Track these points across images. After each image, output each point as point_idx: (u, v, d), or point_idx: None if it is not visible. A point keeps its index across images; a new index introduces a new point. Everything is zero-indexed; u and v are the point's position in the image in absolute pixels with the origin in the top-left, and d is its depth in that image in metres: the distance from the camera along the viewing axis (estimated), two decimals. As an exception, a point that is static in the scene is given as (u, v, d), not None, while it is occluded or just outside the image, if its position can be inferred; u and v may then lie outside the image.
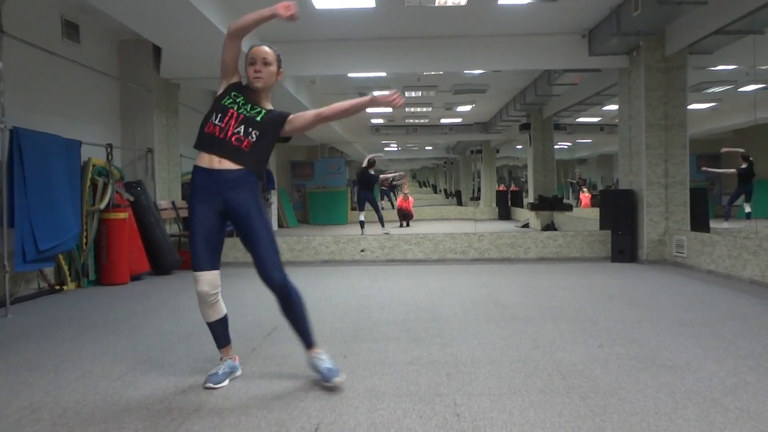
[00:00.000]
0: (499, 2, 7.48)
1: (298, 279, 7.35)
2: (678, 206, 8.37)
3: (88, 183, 7.09)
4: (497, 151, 26.10)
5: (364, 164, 13.79)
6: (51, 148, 6.23)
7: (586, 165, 33.34)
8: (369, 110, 16.65)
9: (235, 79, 3.39)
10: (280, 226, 16.95)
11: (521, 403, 2.93)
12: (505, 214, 21.21)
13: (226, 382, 3.29)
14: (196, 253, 3.24)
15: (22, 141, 5.72)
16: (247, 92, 3.34)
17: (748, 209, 12.04)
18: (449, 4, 7.29)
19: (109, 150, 7.46)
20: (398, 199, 18.24)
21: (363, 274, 7.73)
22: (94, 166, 7.22)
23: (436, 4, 7.31)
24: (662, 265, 8.14)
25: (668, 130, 8.31)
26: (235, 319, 5.01)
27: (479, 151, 25.56)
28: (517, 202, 21.39)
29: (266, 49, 3.37)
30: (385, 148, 30.62)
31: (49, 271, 6.69)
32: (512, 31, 8.80)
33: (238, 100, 3.28)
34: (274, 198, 16.20)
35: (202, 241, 3.24)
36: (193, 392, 3.16)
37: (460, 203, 29.12)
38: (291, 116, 3.34)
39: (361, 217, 13.51)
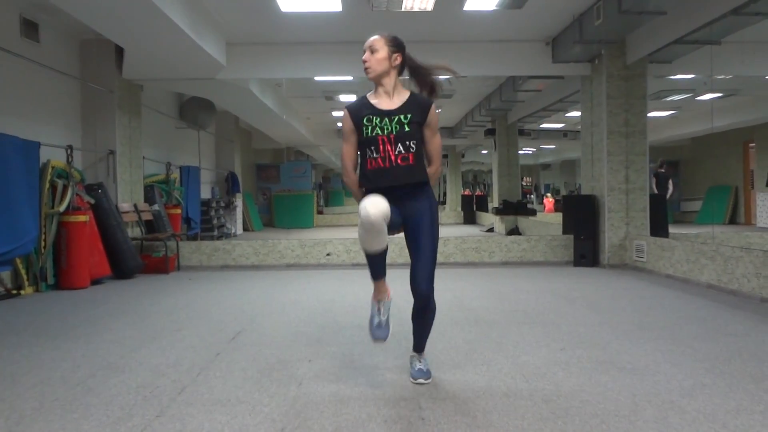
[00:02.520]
0: (465, 8, 7.55)
1: (263, 282, 7.35)
2: (638, 212, 8.55)
3: (48, 185, 6.94)
4: (462, 156, 26.34)
5: None
6: (8, 149, 6.08)
7: (549, 170, 33.86)
8: (335, 113, 16.73)
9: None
10: (245, 229, 16.82)
11: (485, 406, 2.95)
12: (470, 219, 21.40)
13: (391, 328, 3.44)
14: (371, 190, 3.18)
15: (-21, 141, 5.57)
16: (371, 106, 3.25)
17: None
18: (416, 9, 7.33)
19: (69, 152, 7.31)
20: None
21: (328, 278, 7.71)
22: (53, 168, 7.07)
23: (403, 9, 7.34)
24: (623, 270, 8.29)
25: (629, 137, 8.48)
26: (199, 324, 4.97)
27: (445, 156, 25.72)
28: (482, 206, 21.59)
29: (373, 37, 3.30)
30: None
31: (5, 275, 6.51)
32: (478, 37, 8.89)
33: (375, 123, 3.19)
34: (239, 201, 16.06)
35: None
36: (155, 398, 3.11)
37: (425, 207, 29.21)
38: (433, 117, 3.26)
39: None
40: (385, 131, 3.17)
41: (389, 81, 3.28)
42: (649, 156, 8.62)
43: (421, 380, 3.33)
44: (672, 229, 10.08)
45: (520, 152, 17.40)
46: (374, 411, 2.91)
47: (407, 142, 3.17)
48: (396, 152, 3.16)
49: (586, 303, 5.80)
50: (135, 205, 8.99)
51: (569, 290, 6.58)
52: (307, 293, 6.58)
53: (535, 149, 27.24)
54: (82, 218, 7.11)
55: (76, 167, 7.63)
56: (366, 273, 7.72)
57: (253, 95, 10.78)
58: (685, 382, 3.28)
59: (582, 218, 8.78)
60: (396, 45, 3.31)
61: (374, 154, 3.18)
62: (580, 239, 8.76)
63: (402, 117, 3.19)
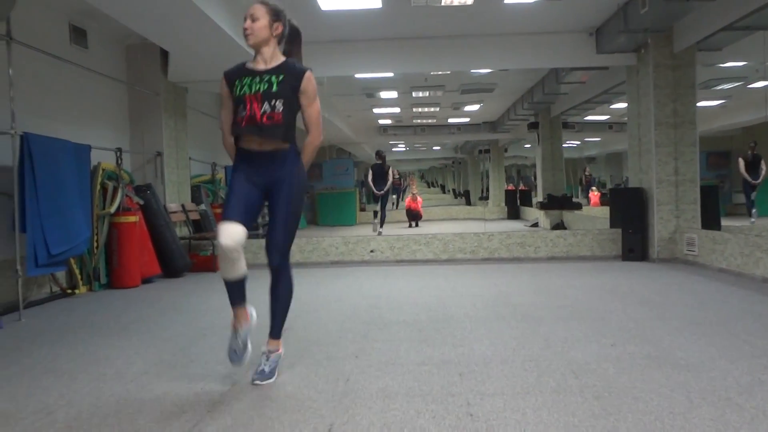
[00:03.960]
0: (506, 1, 7.46)
1: (308, 280, 7.39)
2: (688, 204, 8.33)
3: (98, 187, 7.12)
4: (505, 151, 26.07)
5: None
6: (61, 153, 6.26)
7: (595, 163, 33.25)
8: (376, 110, 16.76)
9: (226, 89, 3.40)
10: (288, 227, 16.93)
11: (534, 402, 2.92)
12: (514, 214, 21.18)
13: (249, 352, 3.33)
14: (229, 207, 3.24)
15: (33, 146, 5.74)
16: (246, 69, 3.34)
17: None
18: (455, 3, 7.28)
19: (118, 154, 7.49)
20: (407, 200, 18.24)
21: (373, 275, 7.73)
22: (103, 170, 7.25)
23: (443, 4, 7.30)
24: (673, 264, 8.09)
25: (677, 127, 8.27)
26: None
27: (487, 151, 25.51)
28: (526, 201, 21.34)
29: (257, 5, 3.34)
30: (393, 149, 30.66)
31: (60, 275, 6.71)
32: (519, 29, 8.78)
33: (245, 83, 3.28)
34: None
35: (238, 199, 3.25)
36: (206, 394, 3.17)
37: (468, 203, 29.11)
38: (308, 83, 3.30)
39: (377, 207, 13.54)
40: (253, 89, 3.24)
41: (268, 49, 3.35)
42: (698, 146, 8.39)
43: (257, 381, 3.30)
44: (724, 222, 9.80)
45: (564, 145, 17.12)
46: (422, 407, 2.90)
47: (273, 101, 3.22)
48: (261, 111, 3.21)
49: (635, 298, 5.68)
50: (182, 205, 9.16)
51: (618, 285, 6.46)
52: (352, 290, 6.61)
53: (579, 142, 26.78)
54: (132, 219, 7.28)
55: (126, 169, 7.81)
56: (410, 269, 7.74)
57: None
58: (743, 379, 3.18)
59: (630, 211, 8.60)
60: (277, 14, 3.37)
61: (242, 113, 3.24)
62: (628, 233, 8.58)
63: (273, 77, 3.26)
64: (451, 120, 19.99)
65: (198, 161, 10.67)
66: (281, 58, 3.37)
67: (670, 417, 2.70)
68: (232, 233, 3.10)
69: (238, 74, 3.34)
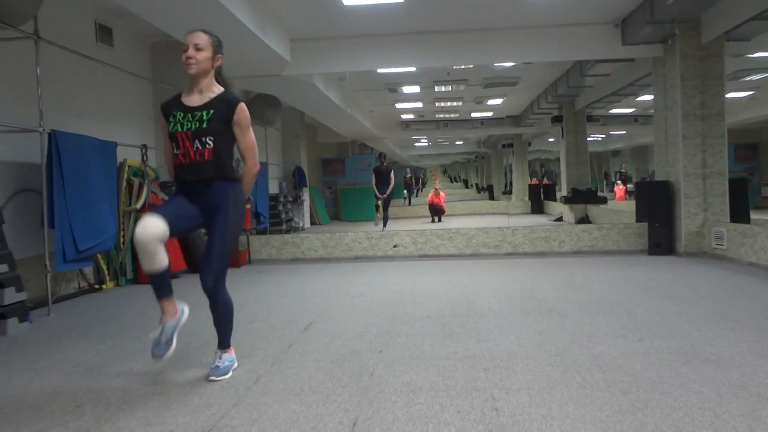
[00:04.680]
0: (530, -7, 7.40)
1: (332, 275, 7.42)
2: (717, 197, 8.19)
3: (125, 183, 7.20)
4: (529, 145, 25.92)
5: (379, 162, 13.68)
6: (88, 149, 6.34)
7: (620, 157, 32.89)
8: (398, 105, 16.73)
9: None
10: (312, 222, 17.05)
11: (560, 397, 2.89)
12: (537, 208, 21.03)
13: (174, 345, 3.27)
14: (159, 206, 3.31)
15: (60, 144, 5.83)
16: (180, 104, 3.34)
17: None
18: (479, -4, 7.23)
19: (144, 150, 7.57)
20: (429, 195, 18.20)
21: (396, 270, 7.73)
22: (129, 166, 7.33)
23: (466, -3, 7.25)
24: (701, 258, 7.97)
25: (705, 119, 8.13)
26: (271, 316, 5.07)
27: (511, 145, 25.37)
28: (550, 195, 21.18)
29: (200, 34, 3.33)
30: (415, 144, 30.61)
31: (88, 270, 6.82)
32: (543, 22, 8.69)
33: (177, 119, 3.29)
34: (306, 195, 16.29)
35: (172, 205, 3.30)
36: (232, 387, 3.19)
37: (492, 198, 28.97)
38: (240, 115, 3.31)
39: (378, 202, 13.49)
40: (184, 128, 3.26)
41: (205, 80, 3.36)
42: (727, 138, 8.25)
43: (212, 377, 3.34)
44: (753, 215, 9.62)
45: (588, 139, 16.95)
46: (447, 401, 2.89)
47: (203, 138, 3.25)
48: (194, 148, 3.26)
49: (663, 292, 5.61)
50: (207, 201, 9.22)
51: (645, 279, 6.37)
52: (376, 285, 6.61)
53: (604, 135, 26.52)
54: (157, 215, 7.34)
55: (151, 165, 7.90)
56: (433, 264, 7.72)
57: (317, 90, 10.89)
58: (774, 374, 3.13)
59: (656, 205, 8.49)
60: (219, 47, 3.40)
61: (176, 150, 3.30)
62: (654, 227, 8.47)
63: (204, 113, 3.26)
64: (473, 114, 19.89)
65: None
66: (216, 90, 3.37)
67: (699, 412, 2.66)
68: (148, 226, 3.10)
69: (172, 107, 3.36)
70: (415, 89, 14.37)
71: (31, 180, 6.02)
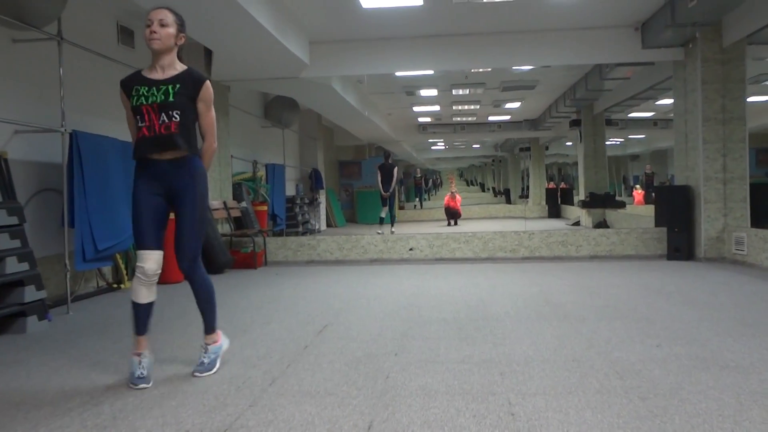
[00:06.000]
0: (549, -4, 7.37)
1: (347, 277, 7.42)
2: (737, 202, 8.09)
3: (144, 184, 7.25)
4: (546, 149, 25.77)
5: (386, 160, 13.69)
6: (108, 150, 6.40)
7: (638, 161, 32.65)
8: (416, 108, 16.72)
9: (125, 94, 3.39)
10: (328, 225, 17.08)
11: (577, 403, 2.86)
12: (555, 212, 20.92)
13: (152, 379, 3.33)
14: (142, 232, 3.32)
15: (81, 144, 5.90)
16: (142, 78, 3.35)
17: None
18: (497, -1, 7.21)
19: (162, 151, 7.61)
20: (445, 198, 18.16)
21: (412, 273, 7.71)
22: (148, 167, 7.38)
23: (484, 0, 7.23)
24: (721, 263, 7.88)
25: (726, 123, 8.04)
26: (287, 317, 5.08)
27: (528, 149, 25.26)
28: (567, 199, 21.05)
29: (165, 11, 3.35)
30: (432, 147, 30.58)
31: (107, 270, 6.88)
32: (562, 25, 8.66)
33: (141, 93, 3.28)
34: (322, 197, 16.33)
35: (148, 220, 3.32)
36: (247, 388, 3.20)
37: (508, 201, 28.88)
38: (206, 92, 3.35)
39: (382, 214, 13.49)
40: (149, 100, 3.25)
41: (168, 57, 3.37)
42: (748, 142, 8.15)
43: (197, 373, 3.41)
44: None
45: (607, 143, 16.82)
46: (462, 405, 2.87)
47: (170, 111, 3.23)
48: (160, 121, 3.24)
49: (682, 298, 5.55)
50: (224, 203, 9.29)
51: (663, 284, 6.31)
52: (391, 287, 6.60)
53: (622, 139, 26.33)
54: (175, 215, 7.39)
55: (170, 167, 7.94)
56: (449, 267, 7.70)
57: (335, 93, 10.91)
58: (796, 382, 3.08)
59: (676, 210, 8.40)
60: (183, 24, 3.43)
61: (140, 123, 3.28)
62: (674, 232, 8.39)
63: (170, 87, 3.27)
64: (491, 118, 19.83)
65: (239, 159, 10.82)
66: (180, 67, 3.39)
67: (719, 419, 2.62)
68: (154, 258, 3.33)
69: (134, 82, 3.35)
70: (433, 92, 14.37)
71: (52, 180, 6.09)
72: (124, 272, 6.97)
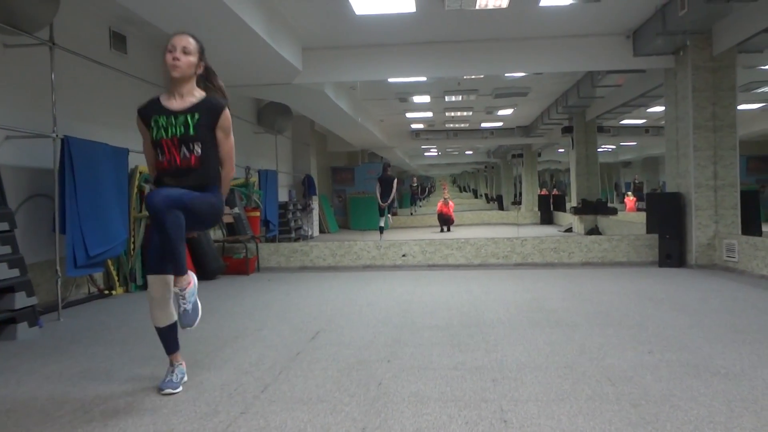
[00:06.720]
0: (541, 4, 7.40)
1: (340, 283, 7.41)
2: (728, 209, 8.14)
3: (136, 190, 7.24)
4: (539, 155, 25.87)
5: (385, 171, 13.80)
6: (100, 156, 6.39)
7: (630, 168, 32.80)
8: (408, 115, 16.75)
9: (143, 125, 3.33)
10: (321, 231, 17.06)
11: (570, 409, 2.87)
12: (547, 219, 20.97)
13: (181, 388, 3.30)
14: (151, 257, 3.28)
15: (73, 149, 5.88)
16: (160, 107, 3.27)
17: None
18: (490, 6, 7.24)
19: (155, 157, 7.59)
20: (438, 204, 18.19)
21: (404, 279, 7.71)
22: (141, 173, 7.36)
23: (477, 7, 7.26)
24: (712, 270, 7.92)
25: (717, 131, 8.10)
26: (279, 324, 5.07)
27: (520, 155, 25.33)
28: (560, 206, 21.12)
29: (188, 38, 3.28)
30: (425, 153, 30.63)
31: (98, 276, 6.85)
32: (554, 32, 8.70)
33: (160, 124, 3.21)
34: (315, 203, 16.32)
35: (157, 243, 3.23)
36: (239, 395, 3.19)
37: (501, 208, 28.92)
38: (225, 120, 3.28)
39: (381, 223, 13.54)
40: (169, 133, 3.19)
41: (188, 86, 3.29)
42: (738, 150, 8.20)
43: (186, 326, 3.21)
44: (765, 228, 9.55)
45: (598, 150, 16.89)
46: (455, 412, 2.87)
47: (191, 145, 3.18)
48: (181, 155, 3.19)
49: (673, 305, 5.57)
50: (217, 209, 9.24)
51: (655, 291, 6.33)
52: (384, 294, 6.60)
53: (614, 146, 26.44)
54: (167, 221, 7.36)
55: (162, 172, 7.91)
56: (442, 274, 7.70)
57: (328, 99, 10.92)
58: (786, 389, 3.09)
59: (667, 217, 8.44)
60: (203, 53, 3.34)
61: (161, 157, 3.23)
62: (665, 238, 8.42)
63: (189, 117, 3.19)
64: (483, 124, 19.89)
65: (232, 165, 10.77)
66: (198, 94, 3.32)
67: (710, 426, 2.63)
68: (158, 284, 3.25)
69: (153, 111, 3.28)
70: (426, 99, 14.39)
71: (44, 185, 6.06)
72: (116, 278, 6.94)
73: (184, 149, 3.18)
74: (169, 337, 3.37)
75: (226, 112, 3.31)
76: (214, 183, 3.32)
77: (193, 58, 3.25)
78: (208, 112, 3.25)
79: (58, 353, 4.27)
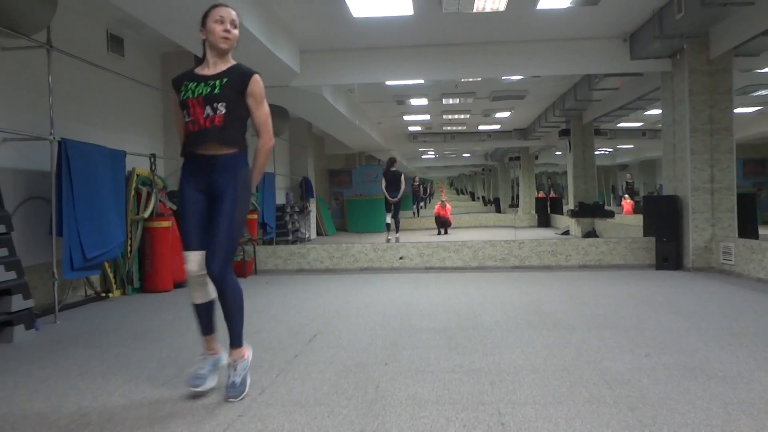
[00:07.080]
0: (539, 7, 7.41)
1: (337, 286, 7.40)
2: (725, 212, 8.16)
3: (133, 192, 7.23)
4: (536, 158, 25.88)
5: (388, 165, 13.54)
6: (97, 158, 6.38)
7: (627, 171, 32.84)
8: (406, 117, 16.76)
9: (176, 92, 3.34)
10: (318, 233, 17.05)
11: (567, 412, 2.87)
12: (544, 222, 20.99)
13: (215, 381, 3.27)
14: (186, 232, 3.22)
15: (70, 152, 5.87)
16: (193, 74, 3.30)
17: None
18: (488, 9, 7.25)
19: (152, 160, 7.60)
20: (436, 207, 18.18)
21: (402, 282, 7.71)
22: (138, 175, 7.36)
23: (474, 10, 7.27)
24: (709, 273, 7.93)
25: (714, 134, 8.12)
26: (277, 327, 5.06)
27: (518, 158, 25.36)
28: (557, 209, 21.14)
29: (233, 11, 3.31)
30: (423, 156, 30.64)
31: (95, 278, 6.84)
32: (552, 35, 8.72)
33: (190, 87, 3.22)
34: (312, 206, 16.31)
35: (191, 219, 3.21)
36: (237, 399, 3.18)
37: (498, 210, 28.95)
38: (254, 85, 3.27)
39: (388, 219, 13.31)
40: (195, 93, 3.18)
41: (226, 56, 3.33)
42: (735, 153, 8.22)
43: (231, 398, 3.14)
44: (762, 231, 9.58)
45: (596, 153, 16.91)
46: (452, 415, 2.87)
47: (215, 104, 3.15)
48: (204, 115, 3.16)
49: (670, 307, 5.58)
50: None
51: (652, 294, 6.34)
52: (382, 296, 6.60)
53: (611, 149, 26.47)
54: (165, 224, 7.38)
55: (159, 175, 7.93)
56: (439, 276, 7.71)
57: (326, 101, 10.93)
58: (783, 392, 3.10)
59: (664, 220, 8.46)
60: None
61: (187, 118, 3.21)
62: (662, 241, 8.44)
63: (217, 81, 3.20)
64: (481, 127, 19.90)
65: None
66: (230, 62, 3.34)
67: (707, 429, 2.64)
68: (197, 259, 3.17)
69: (184, 78, 3.31)
70: (423, 102, 14.41)
71: (41, 188, 6.06)
72: (113, 281, 6.93)
73: (208, 108, 3.16)
74: (205, 316, 3.29)
75: (256, 77, 3.29)
76: (238, 148, 3.25)
77: (237, 32, 3.31)
78: (238, 77, 3.25)
79: (54, 356, 4.26)
